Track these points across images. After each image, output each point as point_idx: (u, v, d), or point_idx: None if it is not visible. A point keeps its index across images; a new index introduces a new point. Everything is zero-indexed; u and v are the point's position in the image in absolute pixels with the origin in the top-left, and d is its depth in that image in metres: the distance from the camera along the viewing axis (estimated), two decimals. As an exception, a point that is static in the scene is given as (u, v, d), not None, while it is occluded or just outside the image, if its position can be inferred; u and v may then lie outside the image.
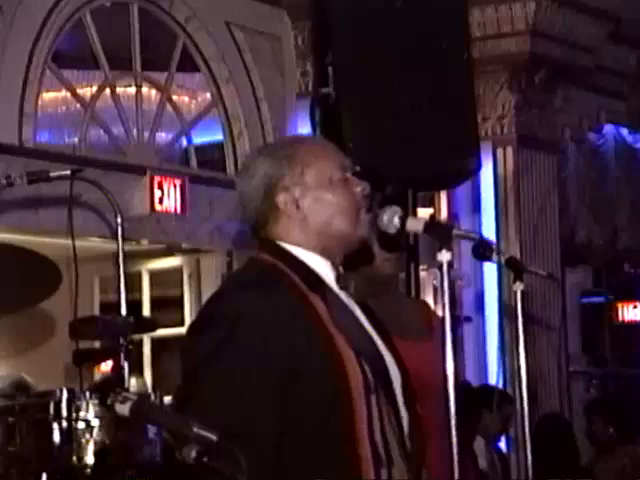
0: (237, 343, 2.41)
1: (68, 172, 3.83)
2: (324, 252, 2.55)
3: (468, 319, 7.87)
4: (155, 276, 7.68)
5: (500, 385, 7.63)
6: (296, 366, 2.40)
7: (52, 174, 3.82)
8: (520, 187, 8.08)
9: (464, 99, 3.82)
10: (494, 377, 7.50)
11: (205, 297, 7.51)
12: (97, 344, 4.51)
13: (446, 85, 3.81)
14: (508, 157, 7.85)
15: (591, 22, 8.39)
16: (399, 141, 3.69)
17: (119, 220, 4.01)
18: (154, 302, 7.66)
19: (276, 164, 2.55)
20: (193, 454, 1.98)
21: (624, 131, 9.51)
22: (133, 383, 4.37)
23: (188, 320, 7.59)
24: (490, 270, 7.55)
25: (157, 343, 7.60)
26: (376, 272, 3.17)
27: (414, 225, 2.58)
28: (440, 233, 2.54)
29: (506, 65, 7.78)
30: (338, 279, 2.56)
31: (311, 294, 2.48)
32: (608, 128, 9.33)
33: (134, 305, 5.49)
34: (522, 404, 3.02)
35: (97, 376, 6.46)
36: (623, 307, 10.13)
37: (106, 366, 5.91)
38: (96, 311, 7.29)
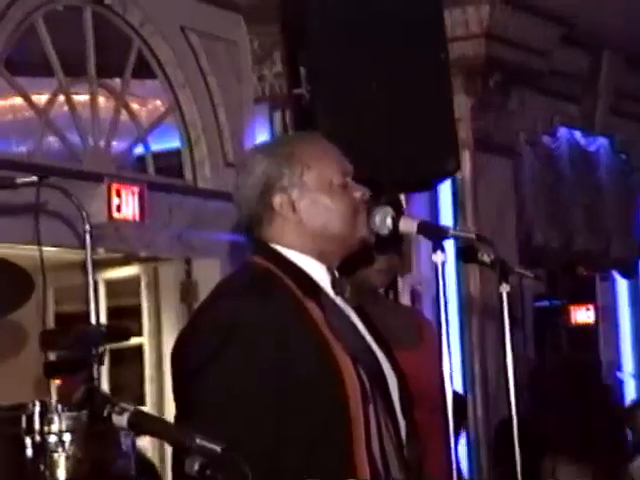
0: (232, 351, 2.36)
1: (35, 178, 3.74)
2: (320, 256, 2.49)
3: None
4: (112, 285, 7.57)
5: (462, 388, 7.66)
6: (293, 374, 2.35)
7: (18, 180, 3.73)
8: (477, 191, 8.08)
9: (442, 100, 3.77)
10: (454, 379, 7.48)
11: (164, 306, 7.43)
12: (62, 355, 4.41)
13: (423, 86, 3.76)
14: (465, 161, 7.80)
15: (544, 25, 8.42)
16: (377, 143, 3.64)
17: (87, 228, 3.93)
18: (111, 312, 7.55)
19: (275, 164, 2.48)
20: (196, 466, 1.90)
21: (578, 134, 9.55)
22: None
23: (146, 330, 7.49)
24: (448, 271, 7.54)
25: (114, 354, 7.48)
26: (364, 281, 3.12)
27: (407, 226, 2.53)
28: (435, 233, 2.49)
29: (461, 69, 7.75)
30: (333, 284, 2.49)
31: (307, 300, 2.43)
32: (562, 131, 9.37)
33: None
34: (510, 405, 2.95)
35: (53, 388, 6.37)
36: (576, 310, 10.18)
37: (59, 380, 5.83)
38: (51, 323, 7.16)
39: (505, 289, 2.82)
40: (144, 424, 1.96)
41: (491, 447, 7.47)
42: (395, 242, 3.08)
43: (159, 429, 1.98)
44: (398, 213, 2.51)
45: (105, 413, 1.95)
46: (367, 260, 2.97)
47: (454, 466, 2.46)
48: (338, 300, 2.49)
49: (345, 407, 2.35)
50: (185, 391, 2.40)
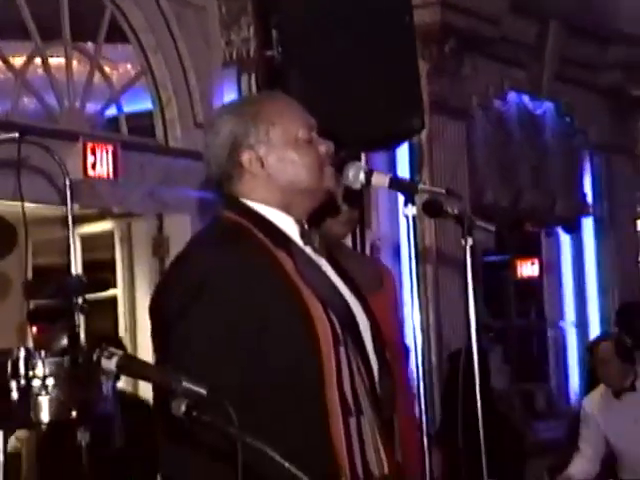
0: (206, 301, 2.32)
1: (16, 135, 3.68)
2: (288, 209, 2.46)
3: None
4: (87, 240, 7.51)
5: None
6: (264, 320, 2.32)
7: (0, 136, 3.67)
8: (433, 151, 8.07)
9: (407, 62, 3.73)
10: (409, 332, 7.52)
11: (137, 260, 7.37)
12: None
13: (390, 48, 3.72)
14: (421, 123, 7.77)
15: (495, -6, 8.40)
16: (345, 102, 3.60)
17: (67, 183, 3.86)
18: (86, 265, 7.48)
19: (241, 123, 2.45)
20: (183, 408, 1.87)
21: (526, 99, 9.55)
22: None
23: (120, 282, 7.44)
24: (403, 222, 7.55)
25: (90, 304, 7.42)
26: (328, 232, 3.09)
27: (380, 180, 2.50)
28: (406, 188, 2.46)
29: (418, 35, 7.67)
30: (302, 235, 2.46)
31: (277, 250, 2.40)
32: (512, 96, 9.36)
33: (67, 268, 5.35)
34: (472, 357, 2.95)
35: (31, 336, 6.32)
36: (522, 264, 10.23)
37: (35, 328, 5.78)
38: (29, 275, 7.09)
39: (469, 242, 2.81)
40: (132, 368, 1.93)
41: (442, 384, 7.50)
42: (357, 196, 3.05)
43: (147, 372, 1.94)
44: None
45: (94, 357, 1.90)
46: (333, 211, 2.94)
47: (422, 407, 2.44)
48: (308, 250, 2.46)
49: (316, 349, 2.32)
50: (163, 340, 2.37)
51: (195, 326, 2.31)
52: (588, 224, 10.40)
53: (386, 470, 2.40)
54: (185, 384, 1.87)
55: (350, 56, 3.69)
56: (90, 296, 6.92)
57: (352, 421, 2.35)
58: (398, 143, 4.58)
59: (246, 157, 2.43)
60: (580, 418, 5.74)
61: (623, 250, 10.65)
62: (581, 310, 10.25)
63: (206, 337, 2.31)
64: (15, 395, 3.09)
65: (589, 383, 6.96)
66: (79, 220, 7.21)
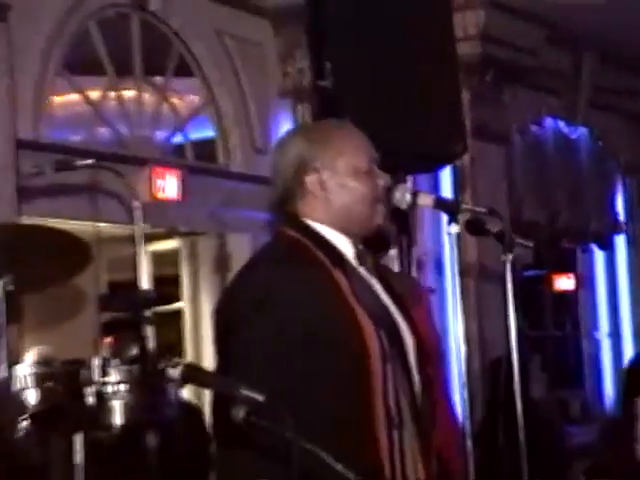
0: (266, 311, 2.31)
1: (92, 161, 3.70)
2: (344, 231, 2.45)
3: (431, 290, 7.77)
4: (155, 257, 7.53)
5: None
6: (320, 336, 2.31)
7: (78, 163, 3.69)
8: (474, 174, 8.03)
9: (451, 90, 3.70)
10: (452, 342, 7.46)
11: (201, 275, 7.40)
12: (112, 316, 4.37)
13: (434, 77, 3.69)
14: (464, 147, 7.74)
15: (532, 28, 8.34)
16: (393, 128, 3.57)
17: (137, 204, 3.88)
18: (154, 280, 7.50)
19: (310, 147, 2.44)
20: (242, 414, 1.85)
21: (561, 124, 9.48)
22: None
23: (185, 296, 7.46)
24: (446, 239, 7.54)
25: (158, 316, 7.44)
26: None
27: (425, 201, 2.48)
28: (449, 208, 2.43)
29: (460, 66, 7.66)
30: (357, 256, 2.45)
31: (334, 269, 2.39)
32: (548, 122, 9.30)
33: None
34: (512, 364, 2.91)
35: (105, 346, 6.34)
36: (559, 278, 10.15)
37: (109, 338, 5.81)
38: (103, 289, 7.13)
39: (509, 258, 2.78)
40: (195, 376, 1.91)
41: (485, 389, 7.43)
42: (402, 216, 3.02)
43: (208, 380, 1.92)
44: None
45: (161, 367, 1.89)
46: (383, 247, 2.93)
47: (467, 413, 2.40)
48: (361, 270, 2.45)
49: (367, 364, 2.32)
50: (225, 346, 2.36)
51: (255, 335, 2.30)
52: (620, 241, 10.32)
53: (422, 478, 2.39)
54: (244, 391, 1.85)
55: (397, 85, 3.66)
56: (158, 309, 6.99)
57: (395, 432, 2.35)
58: (442, 166, 4.55)
59: (310, 179, 2.43)
60: None
61: (653, 265, 10.53)
62: (614, 321, 10.15)
63: (264, 345, 2.30)
64: (90, 400, 3.11)
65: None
66: (149, 238, 7.22)
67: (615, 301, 10.21)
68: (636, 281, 10.30)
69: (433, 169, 4.86)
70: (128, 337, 4.05)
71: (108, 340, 6.05)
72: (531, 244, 2.98)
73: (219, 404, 2.18)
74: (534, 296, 9.60)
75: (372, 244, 2.51)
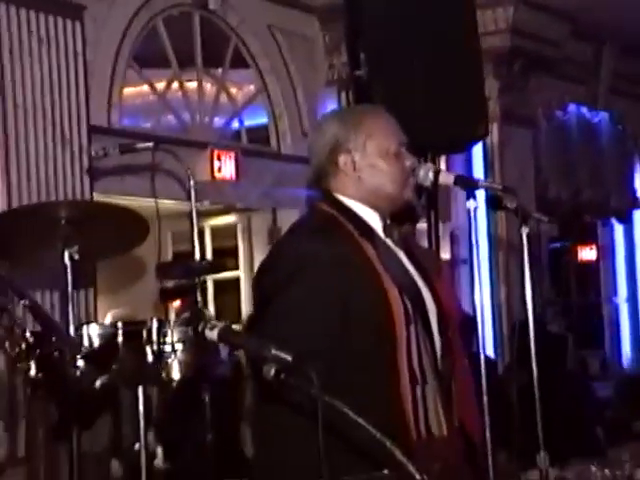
0: (304, 279, 2.29)
1: (151, 144, 3.69)
2: (373, 206, 2.41)
3: (464, 261, 7.69)
4: (215, 231, 7.57)
5: (490, 314, 7.55)
6: (351, 301, 2.28)
7: (138, 145, 3.69)
8: (503, 155, 7.95)
9: (474, 78, 3.62)
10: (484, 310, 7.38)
11: (255, 247, 7.40)
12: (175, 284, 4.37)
13: (459, 67, 3.62)
14: (494, 131, 7.66)
15: (557, 22, 8.18)
16: (421, 112, 3.51)
17: (192, 183, 3.86)
18: (215, 252, 7.55)
19: (344, 129, 2.40)
20: (272, 372, 1.82)
21: (584, 109, 9.33)
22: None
23: (242, 266, 7.47)
24: (481, 218, 7.46)
25: (218, 284, 7.46)
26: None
27: (446, 178, 2.42)
28: (468, 185, 2.37)
29: (491, 57, 7.55)
30: (385, 229, 2.42)
31: (363, 240, 2.36)
32: (571, 107, 9.16)
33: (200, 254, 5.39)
34: (528, 327, 2.84)
35: (173, 309, 6.38)
36: (582, 249, 10.04)
37: (176, 303, 5.84)
38: (163, 259, 7.16)
39: (525, 231, 2.71)
40: (230, 337, 1.88)
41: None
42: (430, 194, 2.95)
43: (242, 342, 1.89)
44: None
45: (200, 328, 1.87)
46: (411, 219, 2.88)
47: (483, 372, 2.34)
48: (388, 242, 2.42)
49: (392, 326, 2.29)
50: (263, 312, 2.33)
51: (291, 300, 2.28)
52: (638, 215, 10.18)
53: (445, 431, 2.35)
54: (274, 352, 1.82)
55: (426, 73, 3.60)
56: (218, 278, 6.97)
57: (418, 389, 2.32)
58: (467, 147, 4.48)
59: (343, 159, 2.40)
60: None
61: (669, 237, 10.37)
62: (632, 288, 10.03)
63: (299, 311, 2.28)
64: (150, 358, 3.10)
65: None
66: (209, 214, 7.27)
67: (633, 269, 10.09)
68: (652, 251, 10.15)
69: (459, 150, 4.78)
70: (188, 302, 4.05)
71: (176, 304, 6.10)
72: (546, 218, 2.91)
73: (253, 363, 2.17)
74: (559, 266, 9.50)
75: (399, 217, 2.47)
